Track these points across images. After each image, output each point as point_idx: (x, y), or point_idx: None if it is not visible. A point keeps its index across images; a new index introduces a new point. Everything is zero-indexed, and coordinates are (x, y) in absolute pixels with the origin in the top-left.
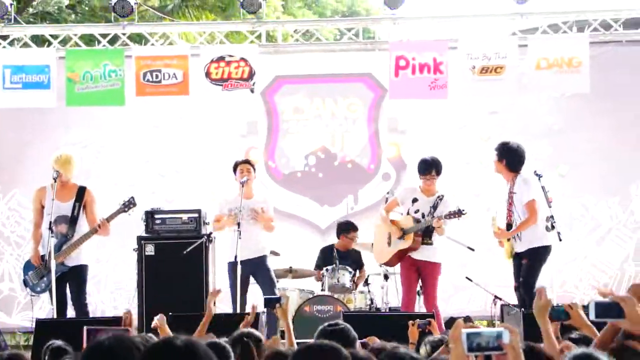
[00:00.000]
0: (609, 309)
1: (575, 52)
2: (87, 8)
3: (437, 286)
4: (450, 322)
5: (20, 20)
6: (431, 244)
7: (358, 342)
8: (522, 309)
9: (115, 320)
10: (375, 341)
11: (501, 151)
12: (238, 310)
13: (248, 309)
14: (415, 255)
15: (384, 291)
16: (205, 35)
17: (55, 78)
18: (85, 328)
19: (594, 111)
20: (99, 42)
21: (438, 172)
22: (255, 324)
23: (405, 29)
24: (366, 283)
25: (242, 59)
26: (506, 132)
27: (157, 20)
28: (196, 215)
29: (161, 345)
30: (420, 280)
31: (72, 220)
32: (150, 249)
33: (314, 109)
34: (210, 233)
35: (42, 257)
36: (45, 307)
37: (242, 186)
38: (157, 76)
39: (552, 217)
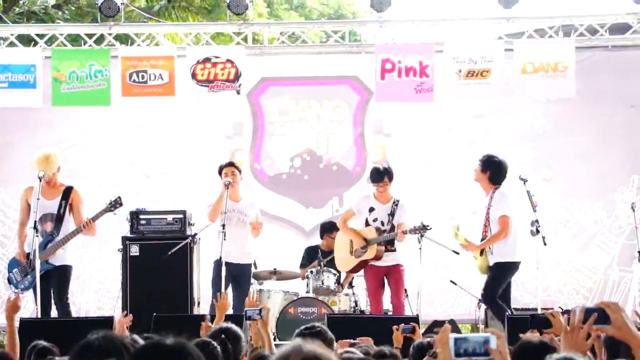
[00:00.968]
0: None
1: (561, 57)
2: (73, 8)
3: (403, 286)
4: (434, 325)
5: (6, 20)
6: (394, 250)
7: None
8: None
9: (107, 321)
10: (368, 342)
11: (486, 163)
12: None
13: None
14: (379, 262)
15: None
16: (191, 36)
17: (41, 78)
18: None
19: (579, 116)
20: (85, 42)
21: (390, 179)
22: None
23: (391, 32)
24: (350, 285)
25: (228, 61)
26: (492, 135)
27: (144, 20)
28: (181, 216)
29: (151, 346)
30: (388, 283)
31: (58, 219)
32: (135, 250)
33: (299, 111)
34: (195, 234)
35: (28, 254)
36: (29, 307)
37: (227, 188)
38: (143, 77)
39: (537, 221)
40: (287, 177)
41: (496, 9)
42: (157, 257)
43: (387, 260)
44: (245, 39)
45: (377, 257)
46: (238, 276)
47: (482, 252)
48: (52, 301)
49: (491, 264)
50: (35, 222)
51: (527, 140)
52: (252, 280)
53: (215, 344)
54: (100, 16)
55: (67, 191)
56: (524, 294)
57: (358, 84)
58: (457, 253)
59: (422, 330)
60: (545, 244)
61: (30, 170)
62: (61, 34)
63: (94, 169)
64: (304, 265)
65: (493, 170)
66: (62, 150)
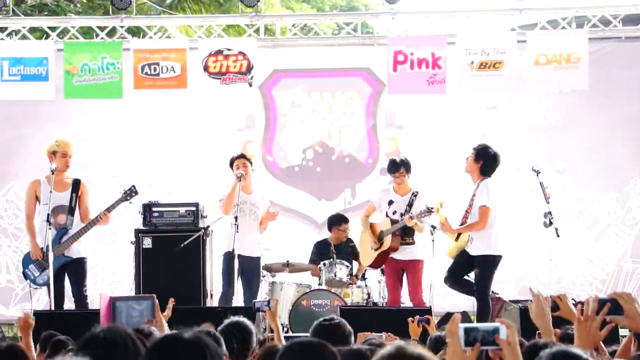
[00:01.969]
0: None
1: (574, 48)
2: (85, 0)
3: (421, 282)
4: (447, 317)
5: (18, 12)
6: (412, 243)
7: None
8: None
9: None
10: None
11: (480, 153)
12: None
13: (234, 301)
14: (397, 255)
15: (381, 286)
16: (203, 28)
17: (53, 70)
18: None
19: (592, 107)
20: (97, 34)
21: (407, 170)
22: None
23: (403, 23)
24: (363, 277)
25: (240, 53)
26: (504, 127)
27: (156, 13)
28: (194, 208)
29: (170, 338)
30: (406, 278)
31: (70, 211)
32: (147, 242)
33: (311, 103)
34: (208, 226)
35: (42, 249)
36: (42, 299)
37: (239, 180)
38: (155, 69)
39: (550, 213)
40: (300, 169)
41: (509, 1)
42: (170, 250)
43: (405, 254)
44: (257, 31)
45: (393, 249)
46: (248, 269)
47: (457, 237)
48: (66, 294)
49: (471, 253)
50: (48, 214)
51: (540, 132)
52: (265, 272)
53: (217, 332)
54: (112, 9)
55: (76, 184)
56: (537, 286)
57: (370, 75)
58: (434, 227)
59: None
60: (558, 236)
61: (42, 163)
62: (73, 27)
63: (106, 162)
64: (314, 260)
65: (486, 161)
66: (74, 143)
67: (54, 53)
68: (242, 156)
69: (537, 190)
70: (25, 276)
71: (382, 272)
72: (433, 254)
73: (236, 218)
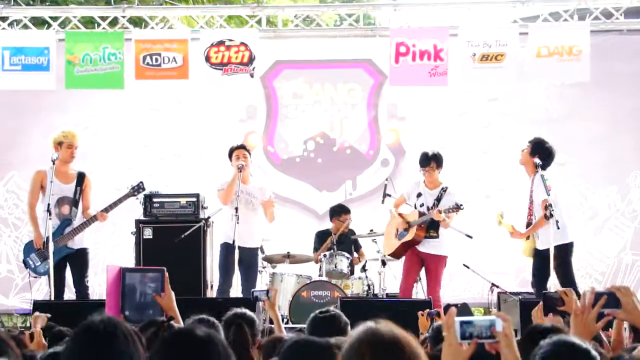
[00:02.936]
0: (606, 299)
1: (576, 41)
2: None
3: (440, 279)
4: (447, 308)
5: (19, 2)
6: (436, 237)
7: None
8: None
9: None
10: None
11: (537, 147)
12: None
13: (232, 293)
14: (420, 248)
15: (382, 277)
16: (205, 19)
17: (54, 60)
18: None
19: (593, 100)
20: (99, 24)
21: (438, 165)
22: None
23: (405, 15)
24: (363, 269)
25: (242, 44)
26: (506, 119)
27: (157, 3)
28: (194, 199)
29: (182, 334)
30: (425, 272)
31: (74, 203)
32: (148, 233)
33: (313, 94)
34: (209, 217)
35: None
36: (42, 289)
37: (240, 171)
38: (156, 60)
39: (550, 205)
40: (301, 161)
41: None
42: (171, 240)
43: (428, 247)
44: (259, 22)
45: (416, 241)
46: (245, 260)
47: (528, 237)
48: (66, 284)
49: (540, 248)
50: (48, 204)
51: (541, 124)
52: (265, 263)
53: (214, 319)
54: None
55: (81, 177)
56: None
57: (372, 67)
58: (471, 237)
59: None
60: (558, 228)
61: (43, 153)
62: (75, 17)
63: (107, 152)
64: (316, 249)
65: (543, 155)
66: (80, 134)
67: (56, 43)
68: (242, 147)
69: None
70: (26, 265)
71: (383, 263)
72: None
73: (236, 209)
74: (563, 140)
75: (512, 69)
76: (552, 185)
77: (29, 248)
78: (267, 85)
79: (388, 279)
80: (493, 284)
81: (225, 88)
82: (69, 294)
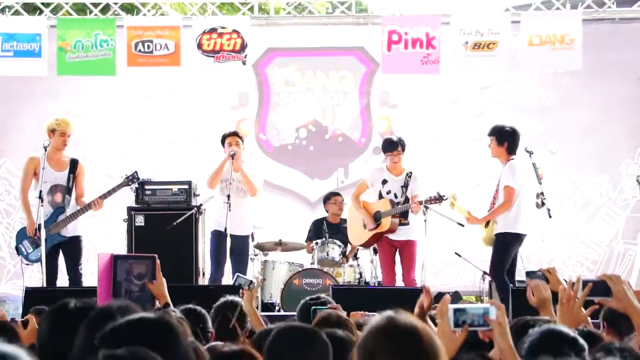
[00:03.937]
0: (596, 288)
1: (568, 29)
2: None
3: (414, 263)
4: (438, 297)
5: None
6: (407, 224)
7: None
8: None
9: None
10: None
11: (500, 134)
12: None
13: (225, 281)
14: (393, 236)
15: (373, 265)
16: (197, 6)
17: (46, 47)
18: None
19: (585, 88)
20: (91, 11)
21: (403, 149)
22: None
23: (398, 3)
24: (355, 257)
25: (234, 31)
26: (498, 107)
27: None
28: (186, 186)
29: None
30: (400, 258)
31: (68, 191)
32: (140, 220)
33: (305, 81)
34: (201, 205)
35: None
36: (34, 276)
37: (232, 158)
38: (148, 47)
39: (542, 193)
40: (293, 148)
41: None
42: (163, 228)
43: (400, 234)
44: (251, 9)
45: (392, 230)
46: (236, 247)
47: (487, 224)
48: (58, 272)
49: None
50: (40, 191)
51: (533, 113)
52: (257, 251)
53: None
54: None
55: (74, 164)
56: (529, 266)
57: (364, 55)
58: (462, 225)
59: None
60: (550, 217)
61: (35, 139)
62: (67, 3)
63: (99, 139)
64: (310, 238)
65: (510, 141)
66: (74, 122)
67: (47, 29)
68: (235, 134)
69: (529, 170)
70: (18, 251)
71: (375, 251)
72: (425, 233)
73: (229, 197)
74: (555, 128)
75: (504, 58)
76: (543, 174)
77: (21, 235)
78: (259, 73)
79: (380, 267)
80: (485, 272)
81: (217, 75)
82: (62, 281)
